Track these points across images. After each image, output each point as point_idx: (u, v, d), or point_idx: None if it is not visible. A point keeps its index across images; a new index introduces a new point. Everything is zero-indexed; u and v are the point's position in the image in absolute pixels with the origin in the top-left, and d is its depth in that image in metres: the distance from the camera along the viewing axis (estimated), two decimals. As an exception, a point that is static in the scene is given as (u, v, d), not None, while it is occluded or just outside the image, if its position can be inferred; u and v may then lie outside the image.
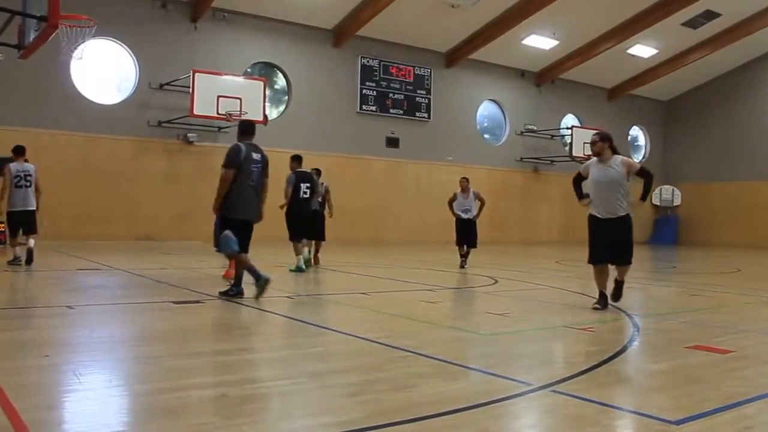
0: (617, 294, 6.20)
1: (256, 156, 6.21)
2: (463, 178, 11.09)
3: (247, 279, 6.27)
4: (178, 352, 4.01)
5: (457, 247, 10.95)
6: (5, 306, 5.72)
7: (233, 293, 6.22)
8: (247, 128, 6.34)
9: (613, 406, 3.02)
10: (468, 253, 10.82)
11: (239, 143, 6.20)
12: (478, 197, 10.81)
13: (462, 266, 10.62)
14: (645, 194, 6.02)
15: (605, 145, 6.04)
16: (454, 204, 10.90)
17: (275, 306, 5.87)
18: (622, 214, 6.00)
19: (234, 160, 6.04)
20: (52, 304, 6.00)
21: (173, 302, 5.98)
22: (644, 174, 6.00)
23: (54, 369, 3.52)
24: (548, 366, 4.05)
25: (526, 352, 4.39)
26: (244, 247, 6.20)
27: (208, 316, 5.50)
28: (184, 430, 2.55)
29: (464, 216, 10.80)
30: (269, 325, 5.18)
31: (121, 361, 3.80)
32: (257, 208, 6.30)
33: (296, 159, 9.97)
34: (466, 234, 10.76)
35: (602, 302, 6.12)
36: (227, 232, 6.03)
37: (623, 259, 6.11)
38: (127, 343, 4.31)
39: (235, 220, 6.12)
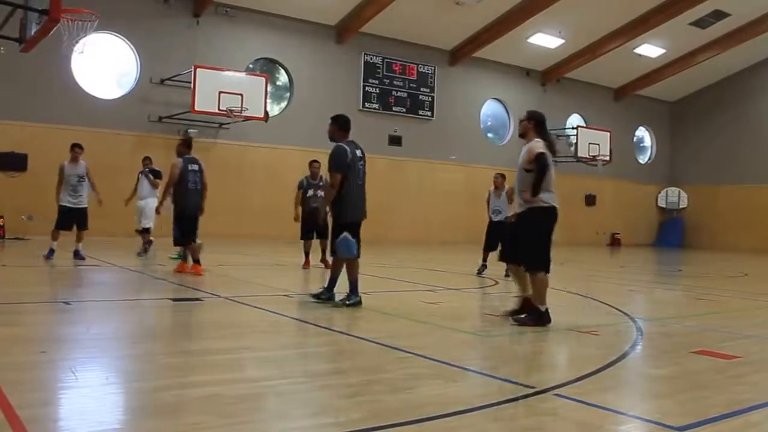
0: (515, 312, 5.27)
1: (359, 153, 6.05)
2: (498, 174, 9.92)
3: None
4: (176, 350, 3.97)
5: (482, 252, 9.80)
6: (4, 302, 5.69)
7: (325, 297, 5.95)
8: (345, 124, 6.06)
9: (616, 411, 2.97)
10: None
11: (342, 144, 5.91)
12: (510, 197, 9.67)
13: (479, 272, 9.60)
14: (533, 188, 5.06)
15: (529, 125, 5.25)
16: (490, 204, 9.89)
17: (274, 305, 5.83)
18: (523, 210, 5.21)
19: (343, 163, 5.80)
20: (49, 300, 5.97)
21: (171, 300, 5.95)
22: (537, 162, 5.04)
23: (50, 365, 3.49)
24: (551, 369, 4.00)
25: (528, 355, 4.34)
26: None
27: (206, 315, 5.47)
28: (180, 429, 2.52)
29: (495, 218, 9.74)
30: (268, 324, 5.14)
31: (118, 359, 3.77)
32: (365, 206, 6.16)
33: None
34: (495, 238, 9.48)
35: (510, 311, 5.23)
36: (347, 234, 5.79)
37: (519, 259, 5.29)
38: (124, 341, 4.27)
39: (351, 224, 5.89)
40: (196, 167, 8.36)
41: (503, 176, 10.04)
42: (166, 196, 8.39)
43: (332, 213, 5.98)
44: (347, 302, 5.89)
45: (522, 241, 5.25)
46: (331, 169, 5.88)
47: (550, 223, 5.24)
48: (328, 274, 6.31)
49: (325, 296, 6.04)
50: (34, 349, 3.82)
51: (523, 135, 5.37)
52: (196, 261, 8.17)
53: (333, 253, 6.05)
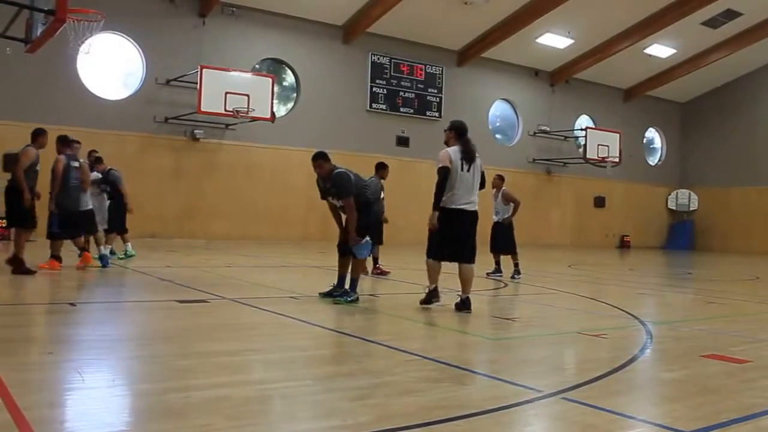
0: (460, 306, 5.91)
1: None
2: (496, 175, 9.83)
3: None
4: (182, 351, 3.97)
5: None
6: (8, 302, 5.72)
7: (353, 299, 6.18)
8: (321, 154, 6.31)
9: (625, 415, 2.94)
10: (514, 261, 9.60)
11: (343, 170, 6.19)
12: (506, 197, 9.78)
13: (488, 273, 9.49)
14: (434, 196, 5.77)
15: (451, 134, 5.92)
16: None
17: (280, 307, 5.83)
18: None
19: (352, 187, 6.17)
20: (55, 301, 5.99)
21: (178, 301, 5.95)
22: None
23: (57, 366, 3.49)
24: (559, 372, 3.96)
25: (535, 358, 4.30)
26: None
27: (212, 316, 5.46)
28: (187, 431, 2.50)
29: (494, 219, 9.85)
30: (274, 326, 5.13)
31: (124, 360, 3.76)
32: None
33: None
34: (494, 238, 9.78)
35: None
36: (368, 238, 6.24)
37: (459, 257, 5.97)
38: (131, 342, 4.27)
39: (371, 229, 6.50)
40: (77, 164, 8.49)
41: (501, 177, 9.98)
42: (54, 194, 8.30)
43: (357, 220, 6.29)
44: (348, 299, 6.11)
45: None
46: (346, 196, 6.11)
47: (445, 222, 5.74)
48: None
49: (339, 292, 6.25)
50: (41, 350, 3.83)
51: (446, 143, 5.94)
52: (54, 256, 8.15)
53: (352, 253, 6.30)
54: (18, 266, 7.47)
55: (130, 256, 10.20)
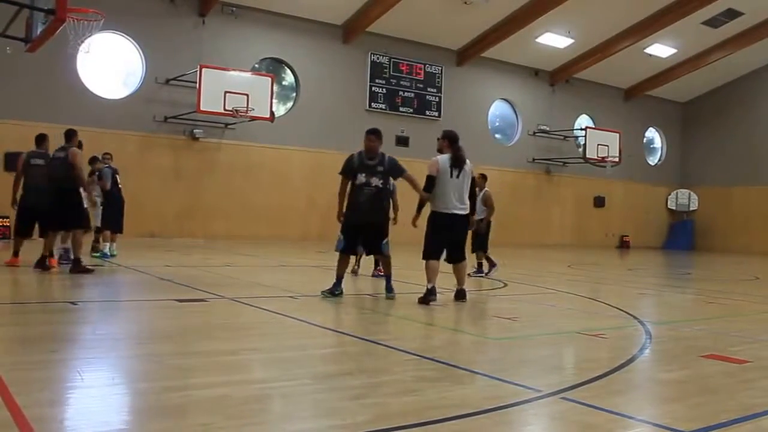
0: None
1: None
2: (479, 174, 9.70)
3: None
4: (182, 350, 3.97)
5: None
6: (8, 302, 5.72)
7: (338, 292, 6.47)
8: (378, 130, 6.69)
9: (624, 415, 2.94)
10: (479, 261, 9.79)
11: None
12: (486, 200, 9.68)
13: (469, 273, 9.36)
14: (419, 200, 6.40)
15: (444, 143, 6.38)
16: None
17: (280, 306, 5.83)
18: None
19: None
20: (55, 300, 5.99)
21: (177, 300, 5.95)
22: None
23: (57, 365, 3.50)
24: (558, 372, 3.96)
25: (535, 358, 4.30)
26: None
27: (212, 315, 5.47)
28: (186, 430, 2.51)
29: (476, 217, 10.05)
30: (273, 325, 5.13)
31: (124, 359, 3.76)
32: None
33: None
34: (474, 238, 9.66)
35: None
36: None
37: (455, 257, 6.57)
38: (130, 341, 4.27)
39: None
40: (40, 161, 8.22)
41: (484, 177, 9.96)
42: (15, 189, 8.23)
43: (388, 215, 6.85)
44: (391, 295, 6.52)
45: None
46: (403, 172, 6.61)
47: (433, 224, 6.34)
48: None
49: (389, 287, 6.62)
50: (40, 349, 3.83)
51: (440, 150, 6.41)
52: (51, 254, 8.16)
53: (384, 253, 6.65)
54: (76, 266, 7.64)
55: (112, 255, 10.09)
